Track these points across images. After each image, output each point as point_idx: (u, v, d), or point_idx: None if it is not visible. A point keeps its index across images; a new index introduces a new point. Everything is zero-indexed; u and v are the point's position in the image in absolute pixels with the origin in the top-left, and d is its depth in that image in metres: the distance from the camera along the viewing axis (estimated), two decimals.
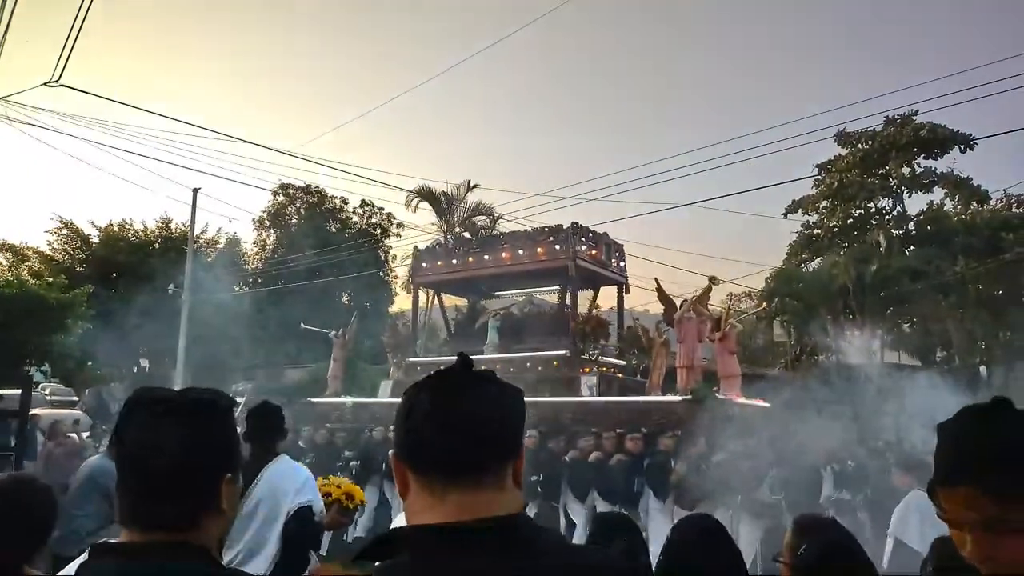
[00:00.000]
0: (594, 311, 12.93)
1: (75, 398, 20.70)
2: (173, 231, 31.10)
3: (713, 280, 10.96)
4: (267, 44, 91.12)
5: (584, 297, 13.42)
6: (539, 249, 12.46)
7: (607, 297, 14.35)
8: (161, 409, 1.26)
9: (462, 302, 17.59)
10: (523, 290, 14.02)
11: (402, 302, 33.62)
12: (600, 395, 10.41)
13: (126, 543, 1.24)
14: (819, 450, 7.84)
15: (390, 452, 1.21)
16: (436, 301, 16.11)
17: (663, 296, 10.87)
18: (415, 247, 15.76)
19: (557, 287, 13.79)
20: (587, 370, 10.99)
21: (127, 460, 1.27)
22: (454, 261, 13.60)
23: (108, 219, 31.01)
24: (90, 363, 25.46)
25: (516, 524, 1.05)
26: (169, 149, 42.90)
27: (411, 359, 13.68)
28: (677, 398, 9.80)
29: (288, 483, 3.56)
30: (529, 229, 13.67)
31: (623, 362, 12.21)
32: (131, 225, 30.72)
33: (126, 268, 28.41)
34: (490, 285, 14.21)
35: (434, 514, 1.03)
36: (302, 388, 20.97)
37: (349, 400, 12.67)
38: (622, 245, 13.59)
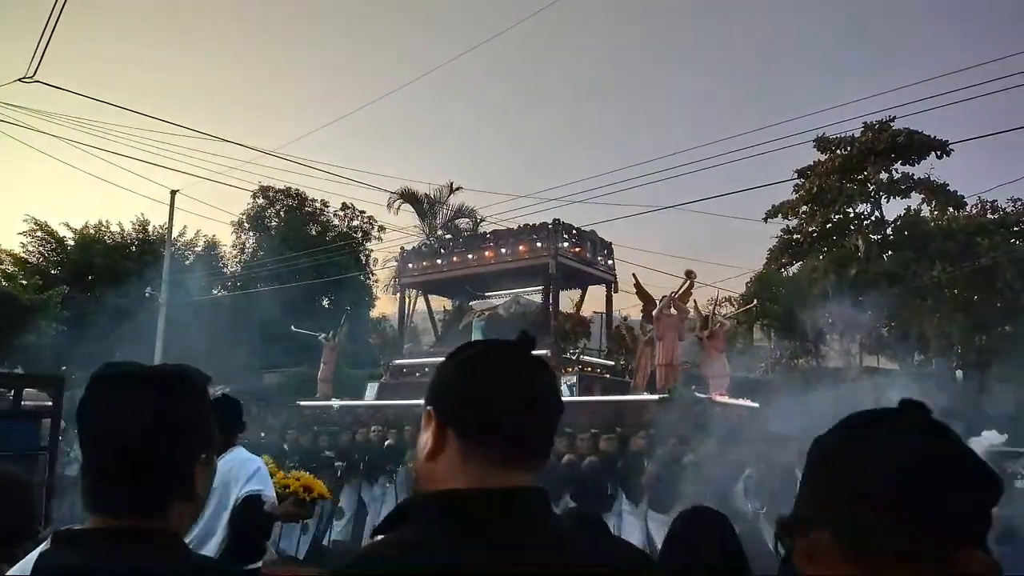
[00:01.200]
0: (576, 310, 12.73)
1: (49, 403, 20.32)
2: (150, 233, 30.74)
3: (689, 274, 10.63)
4: (249, 43, 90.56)
5: (572, 296, 13.25)
6: (521, 247, 12.24)
7: (598, 296, 14.10)
8: (131, 384, 1.17)
9: (448, 304, 17.51)
10: (511, 290, 13.80)
11: (383, 306, 33.44)
12: (579, 395, 10.19)
13: (91, 530, 1.15)
14: (796, 452, 7.34)
15: (428, 408, 1.07)
16: (418, 303, 15.98)
17: (641, 292, 10.66)
18: (401, 247, 15.69)
19: (541, 286, 13.33)
20: (569, 370, 10.81)
21: (93, 440, 1.17)
22: (439, 261, 13.48)
23: (84, 220, 30.57)
24: (64, 367, 25.08)
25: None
26: (147, 148, 42.24)
27: (396, 361, 13.60)
28: (652, 397, 9.59)
29: (239, 472, 3.64)
30: (514, 227, 13.42)
31: (611, 362, 12.06)
32: (107, 227, 30.28)
33: (102, 270, 27.97)
34: (476, 285, 14.00)
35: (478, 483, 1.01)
36: (280, 392, 20.78)
37: (336, 403, 12.66)
38: (610, 243, 13.24)
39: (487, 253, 12.62)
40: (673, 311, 9.89)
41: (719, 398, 9.76)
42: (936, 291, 19.93)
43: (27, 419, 4.31)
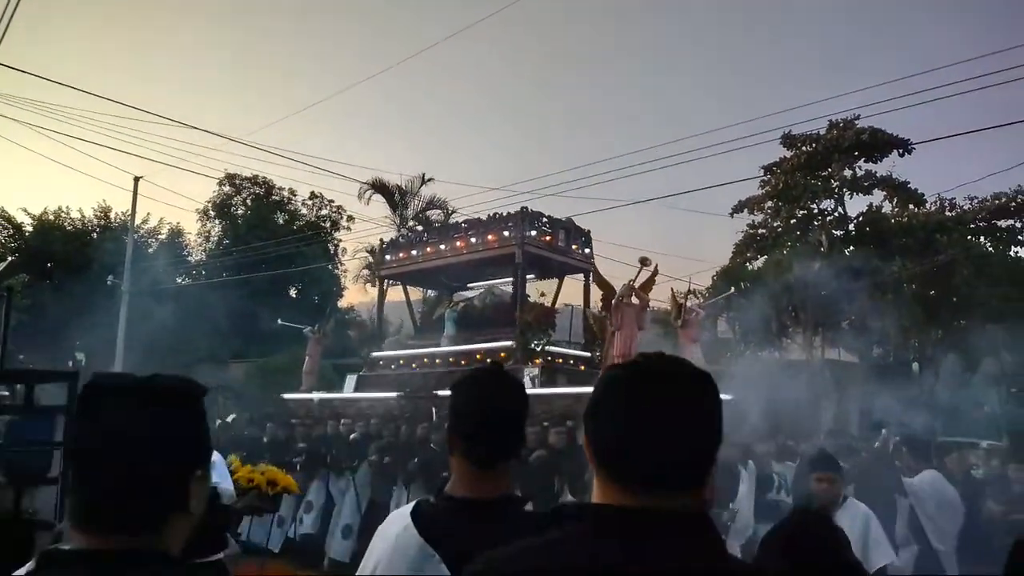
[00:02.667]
0: (552, 301, 12.50)
1: (5, 392, 19.88)
2: (112, 220, 30.14)
3: (644, 261, 10.31)
4: (215, 28, 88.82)
5: (550, 287, 13.01)
6: (490, 236, 11.99)
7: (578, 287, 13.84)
8: (125, 397, 1.13)
9: (422, 296, 17.48)
10: (491, 280, 13.49)
11: (352, 296, 33.18)
12: (540, 388, 9.95)
13: (81, 550, 1.09)
14: (737, 447, 7.12)
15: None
16: (390, 294, 15.86)
17: (600, 280, 10.27)
18: (380, 239, 15.65)
19: (513, 276, 12.91)
20: (537, 361, 10.64)
21: (85, 454, 1.12)
22: (414, 252, 13.32)
23: (43, 206, 29.87)
24: (21, 356, 24.52)
25: None
26: (110, 133, 41.30)
27: (374, 354, 13.55)
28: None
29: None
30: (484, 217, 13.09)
31: (587, 354, 11.92)
32: (68, 213, 29.70)
33: (62, 258, 27.52)
34: (452, 276, 13.89)
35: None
36: (247, 382, 20.57)
37: (316, 396, 12.70)
38: (587, 231, 12.81)
39: (459, 243, 12.44)
40: (634, 300, 9.64)
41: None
42: (896, 286, 20.40)
43: (41, 415, 4.23)
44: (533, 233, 11.67)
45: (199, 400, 1.22)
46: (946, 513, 6.14)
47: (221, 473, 3.84)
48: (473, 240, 12.25)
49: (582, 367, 11.50)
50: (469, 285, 14.29)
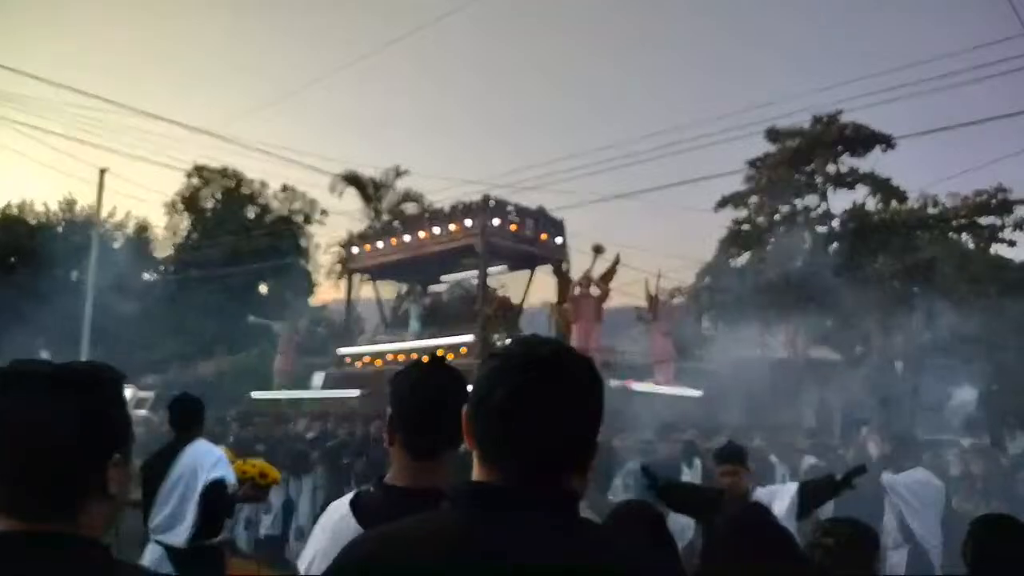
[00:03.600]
0: (502, 292, 12.05)
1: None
2: (78, 213, 29.50)
3: (598, 249, 10.04)
4: (184, 20, 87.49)
5: (522, 279, 12.59)
6: (453, 227, 11.45)
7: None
8: (39, 383, 1.16)
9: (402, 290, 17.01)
10: (464, 273, 13.12)
11: (324, 293, 32.55)
12: None
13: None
14: (681, 444, 7.09)
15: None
16: (363, 290, 15.40)
17: (558, 272, 10.25)
18: (349, 232, 15.23)
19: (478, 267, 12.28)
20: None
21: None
22: (380, 244, 12.92)
23: (6, 200, 29.31)
24: None
25: None
26: (74, 124, 40.45)
27: (340, 350, 13.20)
28: None
29: (203, 461, 4.19)
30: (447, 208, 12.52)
31: None
32: (31, 206, 29.16)
33: (26, 252, 26.92)
34: (421, 269, 13.38)
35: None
36: (217, 382, 19.95)
37: (284, 394, 12.47)
38: (560, 221, 12.14)
39: (423, 234, 11.94)
40: (594, 291, 9.27)
41: (661, 385, 9.41)
42: (878, 284, 20.21)
43: None
44: (496, 222, 11.07)
45: (113, 385, 1.24)
46: (931, 511, 6.03)
47: (226, 467, 4.26)
48: (436, 231, 11.71)
49: None
50: (442, 279, 13.78)
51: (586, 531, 1.07)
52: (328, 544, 1.64)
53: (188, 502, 4.12)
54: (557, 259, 11.72)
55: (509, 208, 11.38)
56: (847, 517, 2.74)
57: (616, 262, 9.91)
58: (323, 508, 6.65)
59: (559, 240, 11.85)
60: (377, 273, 14.27)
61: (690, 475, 6.25)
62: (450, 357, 9.24)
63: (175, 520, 4.13)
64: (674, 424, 7.60)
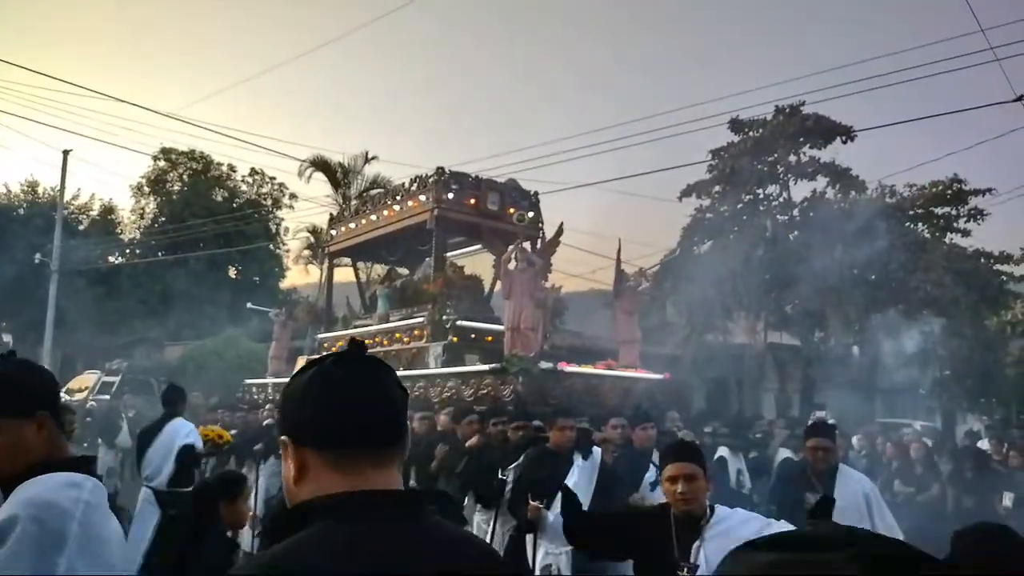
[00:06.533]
0: (451, 268, 11.37)
1: None
2: (41, 195, 28.93)
3: (520, 218, 9.51)
4: (148, 1, 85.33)
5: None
6: (411, 203, 10.77)
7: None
8: None
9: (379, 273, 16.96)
10: (466, 249, 12.41)
11: (294, 277, 32.39)
12: (442, 367, 9.10)
13: None
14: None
15: (282, 438, 1.12)
16: (337, 274, 15.30)
17: (497, 250, 9.49)
18: (330, 213, 15.11)
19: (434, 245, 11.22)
20: (456, 339, 9.67)
21: None
22: (352, 225, 12.70)
23: None
24: None
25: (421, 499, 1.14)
26: (36, 106, 39.50)
27: (319, 336, 13.08)
28: (483, 367, 8.40)
29: (180, 431, 6.22)
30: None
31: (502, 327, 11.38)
32: None
33: None
34: (391, 249, 13.13)
35: (347, 486, 1.06)
36: (184, 366, 19.88)
37: (271, 380, 12.51)
38: (533, 192, 11.17)
39: (386, 212, 11.53)
40: (527, 265, 8.40)
41: (628, 369, 8.86)
42: (836, 271, 20.70)
43: None
44: (451, 196, 10.24)
45: None
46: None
47: (195, 436, 6.31)
48: (397, 208, 11.18)
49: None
50: (427, 259, 13.77)
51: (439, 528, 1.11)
52: None
53: (169, 457, 6.07)
54: (529, 235, 10.55)
55: (470, 179, 10.50)
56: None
57: (559, 232, 9.29)
58: (266, 502, 6.90)
59: (531, 214, 10.89)
60: (353, 254, 14.11)
61: (586, 469, 5.06)
62: (405, 340, 9.16)
63: (158, 472, 6.08)
64: (616, 410, 7.04)
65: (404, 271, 13.76)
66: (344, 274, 15.54)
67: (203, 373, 16.71)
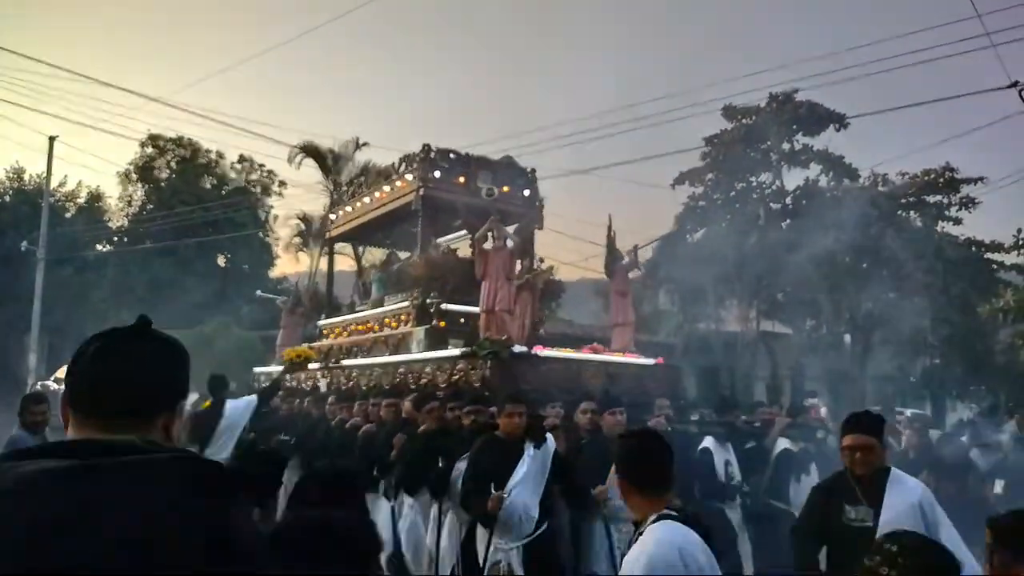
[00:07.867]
0: (439, 250, 10.77)
1: None
2: (27, 182, 28.59)
3: (489, 192, 9.15)
4: None
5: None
6: (399, 183, 10.38)
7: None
8: None
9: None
10: (445, 236, 12.41)
11: (284, 265, 32.18)
12: (423, 351, 8.79)
13: None
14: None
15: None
16: (321, 262, 15.16)
17: (473, 228, 8.97)
18: (330, 196, 14.89)
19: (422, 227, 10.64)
20: (443, 324, 9.24)
21: None
22: (348, 208, 12.42)
23: None
24: None
25: (117, 445, 1.19)
26: (22, 91, 38.98)
27: (320, 322, 12.84)
28: (455, 352, 8.08)
29: (238, 407, 6.71)
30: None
31: None
32: None
33: None
34: (385, 231, 12.72)
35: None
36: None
37: (276, 369, 12.35)
38: (531, 171, 10.55)
39: (378, 195, 11.16)
40: (505, 244, 7.96)
41: (619, 353, 8.56)
42: (828, 259, 20.70)
43: None
44: (438, 175, 9.77)
45: None
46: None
47: (252, 403, 6.92)
48: (388, 189, 10.74)
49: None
50: (437, 240, 13.39)
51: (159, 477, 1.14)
52: None
53: (232, 438, 6.43)
54: (525, 215, 10.10)
55: (458, 156, 10.01)
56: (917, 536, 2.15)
57: (539, 209, 9.13)
58: None
59: (527, 192, 10.32)
60: (355, 239, 13.86)
61: (537, 458, 4.70)
62: (393, 325, 8.94)
63: (228, 441, 6.38)
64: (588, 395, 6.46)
65: (405, 255, 13.53)
66: (342, 261, 15.37)
67: (193, 362, 16.56)
